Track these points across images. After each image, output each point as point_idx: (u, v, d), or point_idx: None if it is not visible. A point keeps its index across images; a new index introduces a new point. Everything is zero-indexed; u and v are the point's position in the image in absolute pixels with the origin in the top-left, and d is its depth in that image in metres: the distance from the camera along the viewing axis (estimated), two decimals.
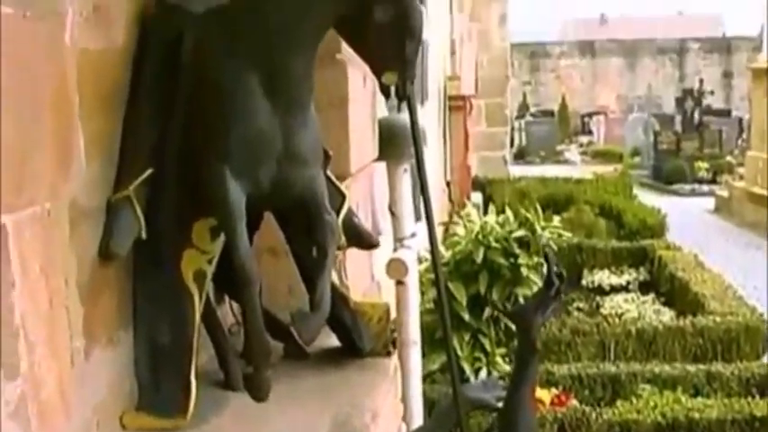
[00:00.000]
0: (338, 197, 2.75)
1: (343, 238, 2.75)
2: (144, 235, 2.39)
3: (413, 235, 4.07)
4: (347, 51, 2.67)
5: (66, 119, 2.23)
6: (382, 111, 3.97)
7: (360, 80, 3.36)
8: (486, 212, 7.28)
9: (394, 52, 2.29)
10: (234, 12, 2.37)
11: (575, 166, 26.29)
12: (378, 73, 2.34)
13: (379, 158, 3.72)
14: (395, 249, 4.02)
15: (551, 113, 33.57)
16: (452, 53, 14.17)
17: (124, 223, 2.35)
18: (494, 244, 6.34)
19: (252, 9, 2.33)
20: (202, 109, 2.39)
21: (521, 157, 28.41)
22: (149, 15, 2.55)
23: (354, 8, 2.29)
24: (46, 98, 2.13)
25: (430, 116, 10.53)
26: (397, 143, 3.66)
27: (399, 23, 2.26)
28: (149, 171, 2.41)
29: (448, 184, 13.11)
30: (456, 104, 12.88)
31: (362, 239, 2.92)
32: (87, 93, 2.29)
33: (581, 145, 32.81)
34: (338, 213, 2.66)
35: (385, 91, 2.32)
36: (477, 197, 13.85)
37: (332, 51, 3.02)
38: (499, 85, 18.12)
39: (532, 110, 33.96)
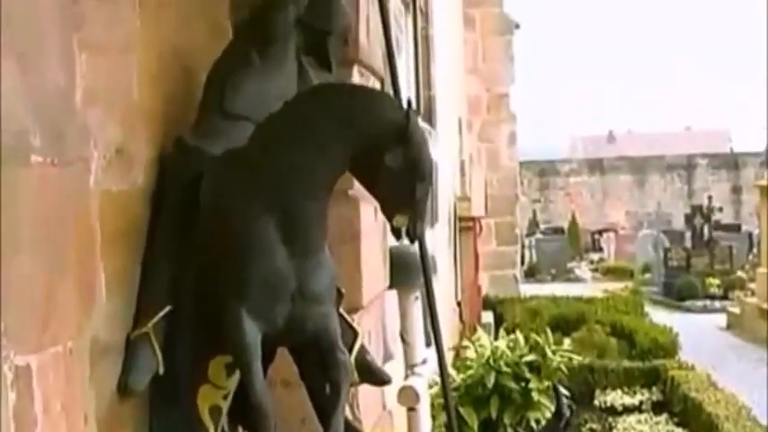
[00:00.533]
0: (350, 334, 2.81)
1: (356, 376, 2.81)
2: (161, 371, 2.46)
3: (424, 361, 4.12)
4: (359, 187, 2.76)
5: (88, 257, 2.32)
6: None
7: (371, 214, 3.46)
8: (497, 334, 7.31)
9: (404, 196, 2.40)
10: (250, 155, 2.49)
11: (585, 284, 26.28)
12: (389, 215, 2.45)
13: (391, 287, 3.80)
14: (406, 376, 4.06)
15: (561, 231, 33.70)
16: (462, 174, 14.39)
17: (143, 360, 2.43)
18: (504, 368, 6.38)
19: (267, 154, 2.45)
20: (219, 249, 2.48)
21: (531, 274, 28.43)
22: (169, 156, 2.68)
23: (366, 153, 2.41)
24: (71, 239, 2.23)
25: (440, 238, 10.63)
26: (407, 273, 3.75)
27: (409, 169, 2.37)
28: (167, 308, 2.49)
29: (458, 304, 13.14)
30: (466, 225, 13.02)
31: (375, 377, 2.97)
32: (108, 231, 2.40)
33: (591, 262, 32.86)
34: (351, 351, 2.73)
35: (396, 232, 2.42)
36: (487, 316, 13.86)
37: (344, 187, 3.12)
38: (509, 204, 18.30)
39: (542, 227, 34.09)
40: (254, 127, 2.61)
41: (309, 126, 2.46)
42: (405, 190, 2.39)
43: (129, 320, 2.48)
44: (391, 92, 3.21)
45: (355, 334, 2.84)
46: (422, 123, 8.46)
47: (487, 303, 15.18)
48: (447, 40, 12.63)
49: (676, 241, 25.95)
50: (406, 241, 2.56)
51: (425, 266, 2.68)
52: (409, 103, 2.47)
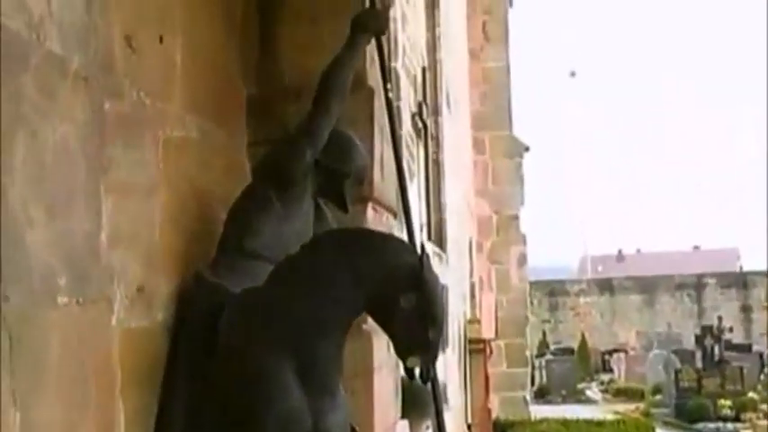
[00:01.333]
0: None
1: None
2: None
3: None
4: (372, 322, 2.81)
5: (109, 396, 2.38)
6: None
7: (384, 348, 3.50)
8: None
9: (418, 338, 2.46)
10: (268, 296, 2.56)
11: (596, 405, 25.96)
12: (402, 356, 2.50)
13: (402, 417, 3.82)
14: None
15: (571, 351, 33.43)
16: (472, 296, 14.41)
17: None
18: None
19: (284, 296, 2.52)
20: (236, 386, 2.53)
21: (541, 395, 28.10)
22: (188, 291, 2.75)
23: (382, 296, 2.48)
24: (92, 378, 2.30)
25: (450, 361, 10.60)
26: (419, 404, 3.79)
27: (423, 312, 2.43)
28: None
29: (469, 426, 13.02)
30: (476, 348, 12.98)
31: None
32: (128, 369, 2.46)
33: (602, 383, 32.50)
34: None
35: (409, 373, 2.47)
36: None
37: (358, 322, 3.16)
38: (519, 325, 18.23)
39: (552, 348, 33.85)
40: (270, 266, 2.68)
41: (326, 271, 2.54)
42: (418, 333, 2.46)
43: None
44: (404, 226, 3.28)
45: None
46: (432, 247, 8.55)
47: (498, 426, 15.00)
48: (457, 163, 12.82)
49: (687, 361, 25.69)
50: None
51: (437, 398, 2.72)
52: (422, 247, 2.55)
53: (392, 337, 2.55)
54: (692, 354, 26.42)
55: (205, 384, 2.58)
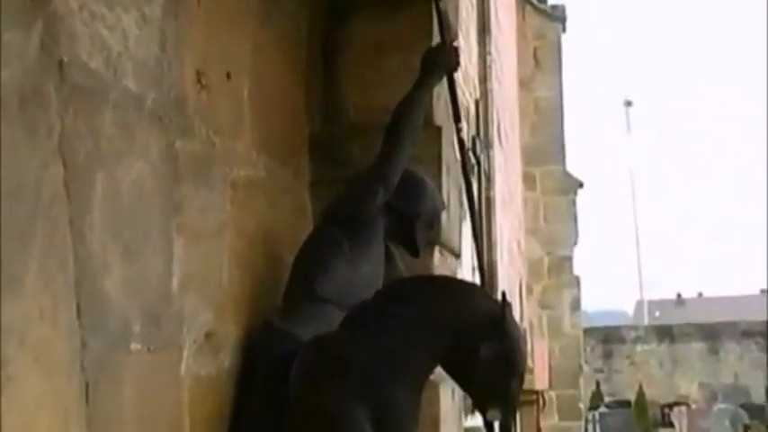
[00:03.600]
0: None
1: None
2: None
3: None
4: (439, 370, 2.86)
5: None
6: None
7: (449, 398, 3.59)
8: None
9: (499, 389, 2.55)
10: (342, 343, 2.64)
11: None
12: (482, 408, 2.58)
13: None
14: None
15: (627, 404, 33.07)
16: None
17: None
18: None
19: (359, 344, 2.60)
20: None
21: None
22: (257, 338, 2.84)
23: (461, 347, 2.56)
24: (162, 426, 2.39)
25: None
26: None
27: (505, 362, 2.51)
28: None
29: None
30: (529, 399, 12.94)
31: None
32: (196, 419, 2.55)
33: None
34: None
35: (489, 425, 2.54)
36: None
37: None
38: (572, 375, 18.11)
39: (607, 400, 33.52)
40: (340, 311, 2.77)
41: (405, 320, 2.63)
42: (499, 383, 2.55)
43: None
44: (474, 272, 3.36)
45: None
46: None
47: None
48: (507, 200, 12.87)
49: (756, 416, 25.45)
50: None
51: None
52: (503, 295, 2.62)
53: (470, 387, 2.62)
54: (762, 408, 26.18)
55: None
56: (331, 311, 2.81)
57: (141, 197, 2.32)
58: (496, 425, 2.56)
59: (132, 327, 2.25)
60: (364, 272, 2.92)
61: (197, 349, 2.59)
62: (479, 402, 2.62)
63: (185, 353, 2.52)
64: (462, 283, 2.96)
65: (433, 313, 2.62)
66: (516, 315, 13.90)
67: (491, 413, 2.57)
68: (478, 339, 2.56)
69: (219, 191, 2.78)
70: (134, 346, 2.25)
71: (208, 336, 2.65)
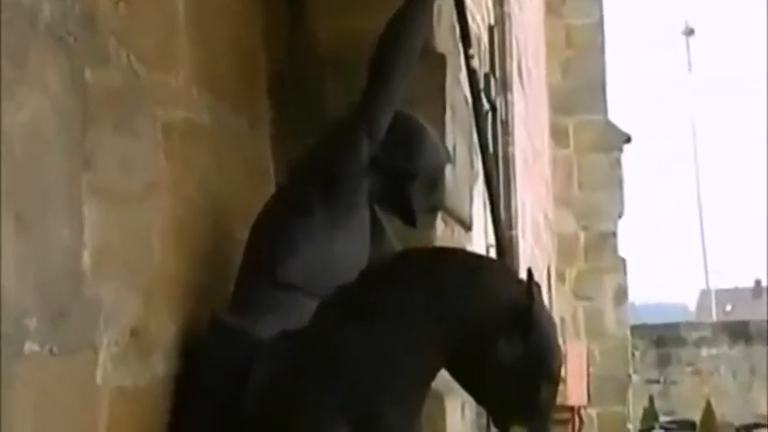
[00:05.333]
0: None
1: None
2: None
3: None
4: (442, 377, 2.81)
5: None
6: None
7: (458, 413, 3.56)
8: None
9: (524, 400, 2.48)
10: (317, 345, 2.58)
11: None
12: (502, 425, 2.53)
13: None
14: None
15: (691, 426, 33.23)
16: None
17: None
18: None
19: (340, 344, 2.54)
20: None
21: None
22: (201, 339, 2.77)
23: (472, 344, 2.51)
24: None
25: None
26: None
27: (532, 364, 2.46)
28: None
29: None
30: (561, 418, 12.93)
31: None
32: None
33: None
34: None
35: None
36: None
37: None
38: (618, 387, 18.12)
39: (663, 420, 33.69)
40: (313, 300, 2.71)
41: (399, 311, 2.57)
42: (526, 391, 2.49)
43: None
44: (485, 242, 3.31)
45: None
46: None
47: None
48: (530, 159, 12.85)
49: None
50: None
51: None
52: (530, 273, 2.57)
53: (486, 398, 2.57)
54: None
55: None
56: (299, 301, 2.76)
57: (38, 144, 2.24)
58: None
59: (26, 322, 2.18)
60: (343, 248, 2.86)
61: (119, 352, 2.52)
62: (499, 418, 2.57)
63: (102, 356, 2.45)
64: (474, 257, 2.89)
65: (435, 299, 2.56)
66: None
67: (513, 429, 2.52)
68: (497, 333, 2.50)
69: (147, 138, 2.71)
70: (30, 347, 2.19)
71: (134, 333, 2.59)
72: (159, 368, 2.71)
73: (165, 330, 2.74)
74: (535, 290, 2.56)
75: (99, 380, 2.45)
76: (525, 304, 2.53)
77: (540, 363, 2.50)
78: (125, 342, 2.55)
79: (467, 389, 2.63)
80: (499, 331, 2.50)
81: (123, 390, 2.53)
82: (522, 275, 2.63)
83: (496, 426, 2.57)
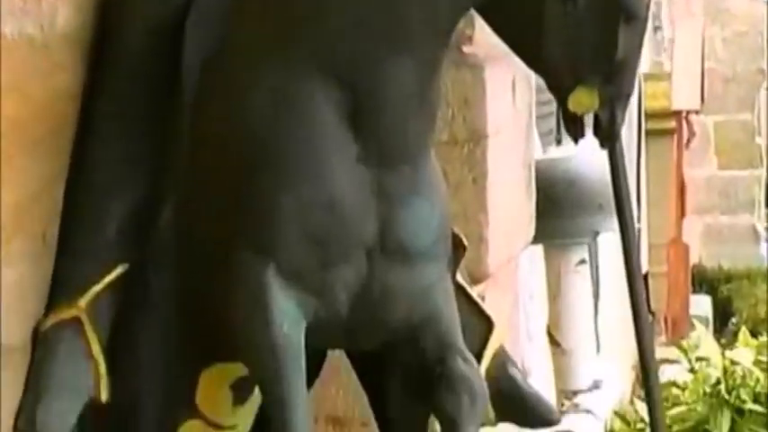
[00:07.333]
0: (478, 325, 2.82)
1: (491, 408, 2.82)
2: (105, 396, 2.48)
3: (595, 386, 4.14)
4: (485, 40, 2.88)
5: None
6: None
7: (508, 95, 3.48)
8: (724, 336, 7.29)
9: (594, 49, 2.40)
10: None
11: None
12: (561, 91, 2.45)
13: (536, 239, 3.79)
14: (560, 412, 4.11)
15: None
16: (655, 28, 14.26)
17: (66, 372, 2.45)
18: (749, 404, 6.38)
19: None
20: (223, 155, 2.51)
21: None
22: None
23: None
24: None
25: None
26: (570, 210, 3.72)
27: None
28: (119, 270, 2.50)
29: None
30: (662, 127, 12.89)
31: (528, 412, 2.96)
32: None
33: None
34: (480, 357, 2.73)
35: (574, 124, 2.43)
36: (703, 303, 13.82)
37: (454, 42, 3.11)
38: (746, 87, 18.17)
39: None
40: None
41: None
42: (595, 37, 2.40)
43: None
44: None
45: (489, 324, 2.85)
46: None
47: (703, 278, 15.19)
48: None
49: None
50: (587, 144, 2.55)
51: (619, 196, 2.68)
52: None
53: (537, 53, 2.47)
54: None
55: (160, 149, 2.56)
56: None
57: None
58: (590, 122, 2.43)
59: None
60: None
61: None
62: (555, 76, 2.48)
63: None
64: None
65: None
66: None
67: (579, 96, 2.43)
68: None
69: None
70: None
71: None
72: (59, 20, 2.61)
73: None
74: None
75: None
76: None
77: None
78: None
79: (508, 41, 2.54)
80: None
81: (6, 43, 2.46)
82: None
83: (552, 89, 2.50)
